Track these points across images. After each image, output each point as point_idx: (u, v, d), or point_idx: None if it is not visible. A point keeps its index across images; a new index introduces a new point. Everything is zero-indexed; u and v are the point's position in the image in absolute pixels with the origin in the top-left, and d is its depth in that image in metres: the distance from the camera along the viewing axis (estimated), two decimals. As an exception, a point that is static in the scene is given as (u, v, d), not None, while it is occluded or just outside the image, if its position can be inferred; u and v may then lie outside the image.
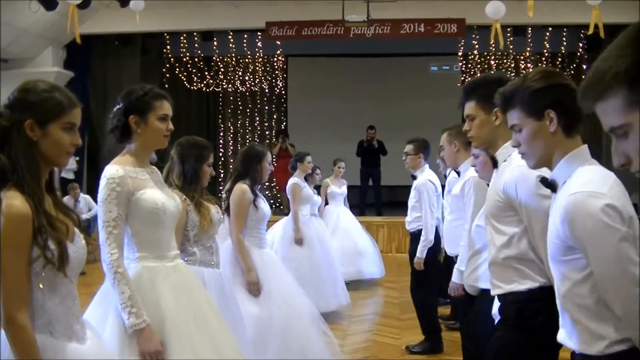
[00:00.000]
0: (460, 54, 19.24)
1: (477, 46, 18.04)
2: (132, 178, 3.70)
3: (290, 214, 9.48)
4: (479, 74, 19.37)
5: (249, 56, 19.65)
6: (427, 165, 7.98)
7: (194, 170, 4.88)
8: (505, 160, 3.54)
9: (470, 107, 3.78)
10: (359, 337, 8.58)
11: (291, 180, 9.53)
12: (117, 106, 3.80)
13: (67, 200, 14.37)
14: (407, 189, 18.65)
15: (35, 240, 2.69)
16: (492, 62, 19.44)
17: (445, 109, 20.30)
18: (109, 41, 17.27)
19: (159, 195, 3.79)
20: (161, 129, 3.80)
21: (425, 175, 7.75)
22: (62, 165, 2.95)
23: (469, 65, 19.90)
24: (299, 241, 9.20)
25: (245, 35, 18.19)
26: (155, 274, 3.76)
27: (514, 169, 3.36)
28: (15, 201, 2.68)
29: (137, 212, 3.71)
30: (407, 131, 19.81)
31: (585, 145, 2.82)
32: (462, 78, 20.02)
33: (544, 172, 2.94)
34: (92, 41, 16.71)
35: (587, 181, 2.54)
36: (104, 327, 3.56)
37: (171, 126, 3.84)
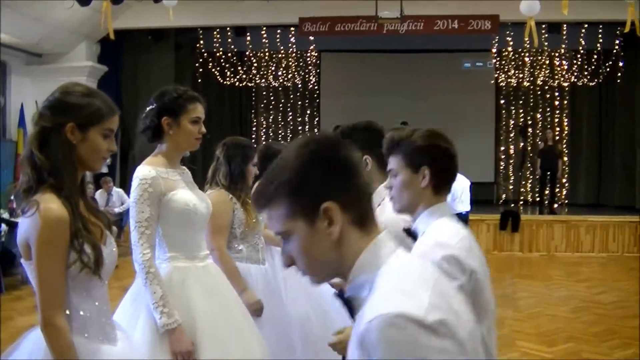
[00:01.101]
0: (494, 50, 19.14)
1: (511, 42, 17.95)
2: (163, 179, 3.72)
3: None
4: (512, 71, 19.28)
5: (282, 51, 19.69)
6: None
7: (240, 170, 4.88)
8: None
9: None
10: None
11: None
12: (150, 107, 3.81)
13: (100, 194, 14.51)
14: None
15: (72, 245, 2.69)
16: (527, 59, 19.31)
17: (477, 105, 20.30)
18: (142, 36, 17.37)
19: (190, 196, 3.81)
20: (193, 131, 3.80)
21: None
22: (96, 170, 2.97)
23: (503, 62, 19.78)
24: None
25: (279, 31, 18.21)
26: (186, 274, 3.77)
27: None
28: (53, 205, 2.67)
29: (169, 212, 3.72)
30: (440, 127, 19.83)
31: (446, 202, 2.98)
32: (496, 75, 19.89)
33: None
34: (125, 36, 16.81)
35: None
36: (135, 327, 3.57)
37: (203, 129, 3.84)
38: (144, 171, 3.70)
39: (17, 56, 16.18)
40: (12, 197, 11.16)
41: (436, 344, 1.62)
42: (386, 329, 1.62)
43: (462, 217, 11.67)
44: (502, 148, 20.84)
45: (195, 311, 3.68)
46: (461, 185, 12.01)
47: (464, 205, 12.35)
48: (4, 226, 11.71)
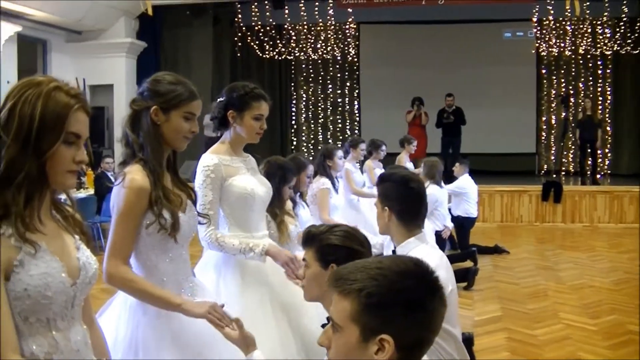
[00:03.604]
0: (534, 19, 18.89)
1: (552, 11, 17.70)
2: (225, 166, 4.09)
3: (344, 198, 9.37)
4: (554, 40, 19.04)
5: (321, 24, 19.60)
6: None
7: (275, 190, 4.98)
8: None
9: None
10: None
11: (344, 166, 9.42)
12: (220, 99, 4.18)
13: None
14: (484, 157, 18.75)
15: (151, 209, 3.12)
16: (568, 28, 19.05)
17: (518, 75, 20.12)
18: (181, 12, 17.43)
19: (249, 181, 4.16)
20: (255, 127, 4.14)
21: None
22: (180, 149, 3.32)
23: (544, 32, 19.52)
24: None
25: (317, 3, 18.13)
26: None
27: None
28: (137, 176, 3.10)
29: (229, 196, 4.09)
30: (480, 98, 19.78)
31: None
32: (537, 44, 19.66)
33: None
34: (163, 12, 16.87)
35: None
36: (218, 285, 4.04)
37: (265, 126, 4.18)
38: (207, 159, 4.09)
39: (57, 34, 16.34)
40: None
41: None
42: None
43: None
44: (544, 118, 20.63)
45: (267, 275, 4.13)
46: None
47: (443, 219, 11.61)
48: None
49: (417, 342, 1.88)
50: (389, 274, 1.87)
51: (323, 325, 2.26)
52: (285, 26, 19.85)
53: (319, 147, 13.78)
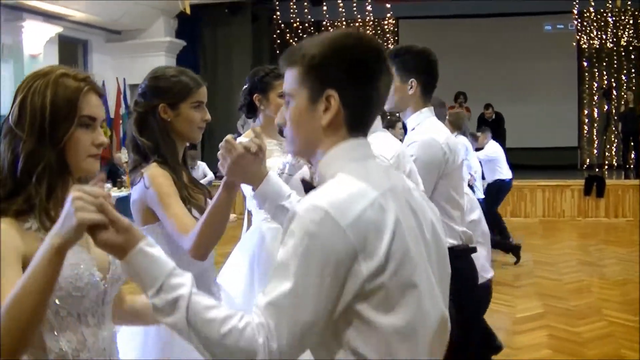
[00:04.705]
0: (575, 11, 18.69)
1: (592, 3, 17.50)
2: None
3: None
4: (595, 33, 18.84)
5: (359, 20, 19.57)
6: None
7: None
8: (413, 129, 3.98)
9: None
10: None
11: None
12: (245, 86, 4.25)
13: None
14: (525, 151, 18.61)
15: None
16: (609, 19, 18.83)
17: (559, 68, 19.93)
18: (219, 10, 17.46)
19: (276, 163, 4.04)
20: (282, 104, 3.99)
21: None
22: (196, 140, 3.22)
23: (585, 24, 19.32)
24: None
25: (355, -1, 18.15)
26: (278, 233, 4.00)
27: None
28: (156, 171, 2.96)
29: None
30: (521, 92, 19.62)
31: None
32: (578, 37, 19.45)
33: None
34: (202, 10, 16.93)
35: None
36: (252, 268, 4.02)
37: None
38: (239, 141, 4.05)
39: (97, 34, 16.48)
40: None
41: (340, 247, 1.71)
42: (305, 212, 1.75)
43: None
44: (586, 112, 20.43)
45: None
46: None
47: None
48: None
49: (362, 99, 1.94)
50: (332, 36, 1.97)
51: None
52: (324, 22, 19.82)
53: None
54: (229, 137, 2.55)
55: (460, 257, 3.69)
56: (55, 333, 2.09)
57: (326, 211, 1.72)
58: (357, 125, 1.96)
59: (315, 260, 1.69)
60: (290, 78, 1.99)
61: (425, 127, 3.94)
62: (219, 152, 2.53)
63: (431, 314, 1.86)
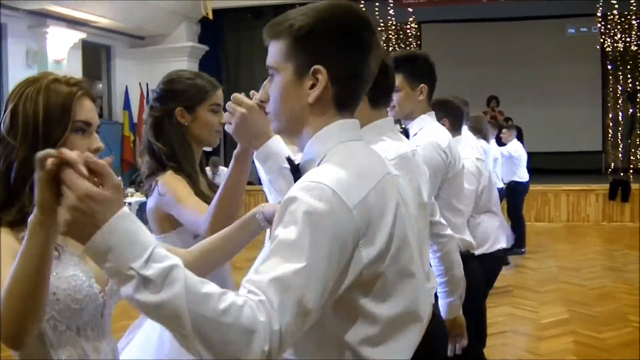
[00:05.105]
0: (598, 14, 18.57)
1: (616, 6, 17.38)
2: None
3: None
4: (619, 35, 18.72)
5: (382, 24, 19.54)
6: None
7: None
8: (416, 134, 4.01)
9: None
10: (495, 310, 8.32)
11: None
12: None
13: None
14: (549, 155, 18.53)
15: None
16: (633, 22, 18.69)
17: (583, 72, 19.82)
18: (241, 14, 17.51)
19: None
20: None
21: None
22: (213, 144, 3.15)
23: (609, 27, 19.18)
24: None
25: (377, 3, 18.07)
26: None
27: None
28: (170, 179, 2.92)
29: None
30: (544, 96, 19.54)
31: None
32: (602, 40, 19.33)
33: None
34: (224, 15, 16.99)
35: None
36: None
37: None
38: None
39: (120, 40, 16.59)
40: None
41: (346, 223, 1.63)
42: (311, 190, 1.64)
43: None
44: (610, 115, 20.25)
45: None
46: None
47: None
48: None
49: (351, 74, 1.85)
50: (319, 7, 1.86)
51: None
52: (347, 27, 19.82)
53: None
54: (236, 94, 2.51)
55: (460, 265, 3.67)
56: (54, 349, 2.06)
57: (333, 190, 1.63)
58: (346, 103, 1.88)
59: (325, 239, 1.59)
60: (274, 50, 1.89)
61: (428, 131, 3.98)
62: (225, 112, 2.50)
63: (426, 304, 1.86)
